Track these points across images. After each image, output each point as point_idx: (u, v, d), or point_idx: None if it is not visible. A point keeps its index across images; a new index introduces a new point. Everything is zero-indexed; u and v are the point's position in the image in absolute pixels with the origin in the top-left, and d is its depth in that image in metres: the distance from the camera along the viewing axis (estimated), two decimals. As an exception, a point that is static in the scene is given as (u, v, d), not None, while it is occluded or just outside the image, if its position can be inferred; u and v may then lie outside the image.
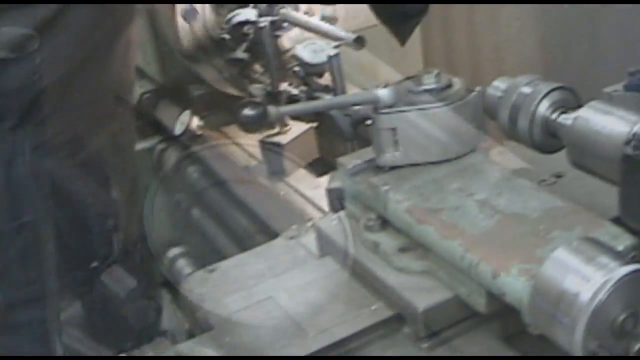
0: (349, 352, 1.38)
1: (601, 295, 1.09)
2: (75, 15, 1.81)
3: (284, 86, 2.45)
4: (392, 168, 1.54)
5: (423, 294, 1.37)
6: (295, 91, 2.38)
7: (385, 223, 1.50)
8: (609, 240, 1.23)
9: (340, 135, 1.97)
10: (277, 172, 2.37)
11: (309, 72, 2.39)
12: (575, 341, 1.10)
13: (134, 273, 2.12)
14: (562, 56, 3.04)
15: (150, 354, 1.35)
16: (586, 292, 1.09)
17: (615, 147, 1.29)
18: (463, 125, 1.52)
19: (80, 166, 1.89)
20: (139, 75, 3.02)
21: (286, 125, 2.43)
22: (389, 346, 1.39)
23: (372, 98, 1.51)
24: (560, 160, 1.48)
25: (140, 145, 3.04)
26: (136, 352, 1.34)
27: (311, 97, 2.31)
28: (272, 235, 1.80)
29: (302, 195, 2.30)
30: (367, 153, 1.60)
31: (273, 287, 1.53)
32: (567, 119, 1.41)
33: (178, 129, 2.89)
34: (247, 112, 1.38)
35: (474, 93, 1.54)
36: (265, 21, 2.44)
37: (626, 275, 1.10)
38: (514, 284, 1.21)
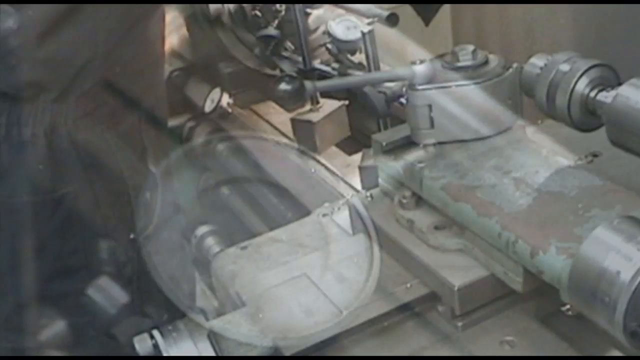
0: (383, 330, 1.38)
1: (643, 274, 1.08)
2: None
3: (316, 64, 2.44)
4: (427, 145, 1.52)
5: (458, 272, 1.36)
6: (327, 68, 2.36)
7: (419, 200, 1.49)
8: (649, 219, 1.22)
9: (374, 113, 1.96)
10: (309, 150, 2.36)
11: (342, 49, 2.37)
12: (616, 321, 1.08)
13: (127, 286, 1.91)
14: (595, 35, 3.00)
15: (184, 329, 1.34)
16: (627, 271, 1.08)
17: (657, 125, 1.27)
18: (499, 103, 1.50)
19: (119, 138, 1.89)
20: (169, 52, 3.03)
21: (318, 103, 2.42)
22: (423, 324, 1.38)
23: (408, 74, 1.49)
24: (596, 139, 1.46)
25: (170, 123, 3.04)
26: (170, 327, 1.34)
27: (344, 75, 2.30)
28: (304, 213, 1.80)
29: (334, 173, 2.29)
30: (402, 130, 1.59)
31: (306, 264, 1.52)
32: (606, 96, 1.38)
33: (208, 107, 2.89)
34: (284, 86, 1.37)
35: (510, 70, 1.52)
36: (297, -3, 2.43)
37: (668, 254, 1.09)
38: (553, 263, 1.20)
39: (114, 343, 1.83)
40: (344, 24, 2.39)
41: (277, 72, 2.60)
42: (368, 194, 1.59)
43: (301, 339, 1.34)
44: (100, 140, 1.85)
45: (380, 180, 1.59)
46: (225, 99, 2.89)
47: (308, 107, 2.44)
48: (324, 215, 1.70)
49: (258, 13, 2.55)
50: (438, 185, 1.43)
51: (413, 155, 1.51)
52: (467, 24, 3.43)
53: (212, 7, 2.69)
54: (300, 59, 2.47)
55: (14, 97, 1.77)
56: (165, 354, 1.29)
